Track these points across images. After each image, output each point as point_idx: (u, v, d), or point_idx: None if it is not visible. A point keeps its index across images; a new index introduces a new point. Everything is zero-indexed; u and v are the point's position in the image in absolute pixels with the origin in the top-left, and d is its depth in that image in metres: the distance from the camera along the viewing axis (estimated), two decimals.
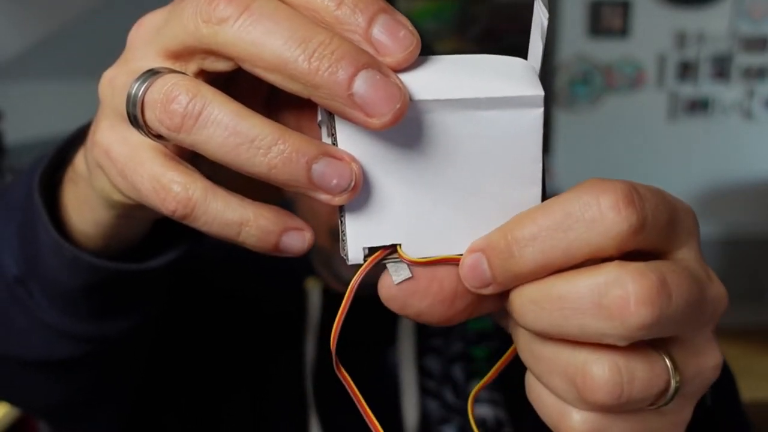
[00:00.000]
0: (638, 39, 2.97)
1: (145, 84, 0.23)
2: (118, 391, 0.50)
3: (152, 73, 0.23)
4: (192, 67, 0.25)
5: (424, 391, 0.66)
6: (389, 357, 0.66)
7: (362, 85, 0.21)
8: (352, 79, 0.21)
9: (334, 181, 0.22)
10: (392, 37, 0.22)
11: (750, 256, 3.09)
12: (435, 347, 0.67)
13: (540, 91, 0.23)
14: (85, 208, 0.33)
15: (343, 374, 0.27)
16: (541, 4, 0.23)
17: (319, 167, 0.22)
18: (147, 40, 0.27)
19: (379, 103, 0.21)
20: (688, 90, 3.00)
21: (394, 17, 0.22)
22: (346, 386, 0.27)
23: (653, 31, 2.97)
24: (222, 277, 0.67)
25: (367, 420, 0.26)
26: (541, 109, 0.23)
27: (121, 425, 0.55)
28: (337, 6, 0.22)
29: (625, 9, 2.94)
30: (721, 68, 2.98)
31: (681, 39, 2.97)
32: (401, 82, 0.22)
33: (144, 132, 0.24)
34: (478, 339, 0.68)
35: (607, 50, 2.98)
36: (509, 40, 3.27)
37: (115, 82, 0.27)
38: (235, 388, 0.63)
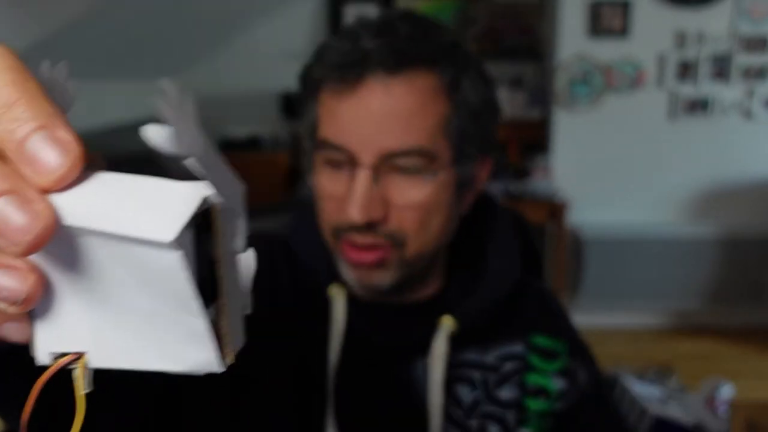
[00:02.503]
0: (638, 39, 2.96)
1: None
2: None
3: None
4: None
5: (449, 419, 0.65)
6: (418, 369, 0.66)
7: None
8: None
9: (5, 293, 0.21)
10: (47, 155, 0.21)
11: (750, 256, 3.09)
12: (468, 377, 0.67)
13: (171, 236, 0.22)
14: None
15: None
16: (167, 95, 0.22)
17: None
18: None
19: (13, 233, 0.20)
20: (688, 90, 2.99)
21: (55, 134, 0.21)
22: None
23: (653, 31, 2.96)
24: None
25: None
26: (178, 253, 0.22)
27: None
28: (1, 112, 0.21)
29: (625, 9, 2.93)
30: (721, 68, 2.98)
31: (681, 39, 2.96)
32: (47, 205, 0.21)
33: None
34: (536, 392, 0.68)
35: (607, 50, 2.97)
36: (509, 40, 3.26)
37: None
38: (258, 388, 0.63)
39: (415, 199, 0.60)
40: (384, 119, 0.58)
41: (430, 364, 0.65)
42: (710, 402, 1.99)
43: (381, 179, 0.59)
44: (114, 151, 3.44)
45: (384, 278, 0.62)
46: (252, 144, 3.42)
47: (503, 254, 0.70)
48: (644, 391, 1.94)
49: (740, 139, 3.04)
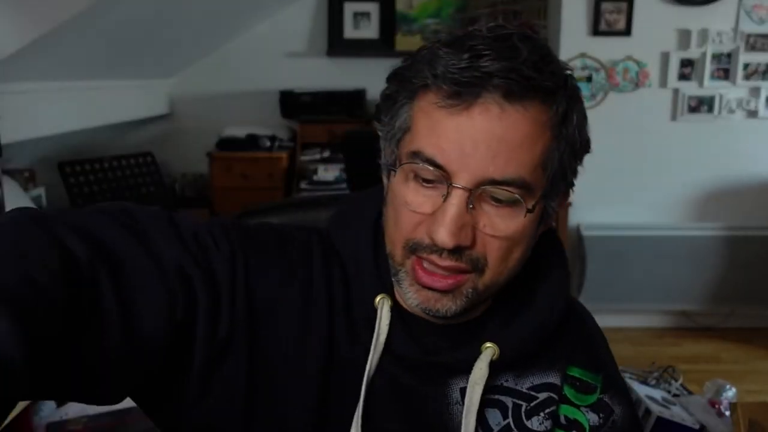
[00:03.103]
0: (641, 38, 2.94)
1: None
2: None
3: None
4: None
5: None
6: (453, 391, 0.65)
7: None
8: None
9: None
10: None
11: (754, 257, 3.07)
12: (500, 403, 0.66)
13: None
14: None
15: None
16: None
17: None
18: None
19: None
20: (691, 89, 2.97)
21: None
22: None
23: (656, 29, 2.94)
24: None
25: None
26: None
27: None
28: None
29: (629, 7, 2.91)
30: (726, 67, 2.96)
31: (684, 37, 2.94)
32: None
33: None
34: (568, 426, 0.67)
35: (610, 49, 2.95)
36: None
37: None
38: (300, 385, 0.62)
39: (504, 231, 0.58)
40: (493, 144, 0.56)
41: (468, 387, 0.63)
42: (714, 404, 1.98)
43: (474, 204, 0.57)
44: (114, 150, 3.43)
45: (450, 306, 0.61)
46: (252, 144, 3.40)
47: (552, 283, 0.68)
48: (647, 393, 1.92)
49: (744, 138, 3.02)
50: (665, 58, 2.96)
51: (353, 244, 0.67)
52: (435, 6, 3.56)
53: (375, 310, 0.64)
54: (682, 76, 2.97)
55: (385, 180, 0.66)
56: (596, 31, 2.93)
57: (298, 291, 0.64)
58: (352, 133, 2.77)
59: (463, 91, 0.56)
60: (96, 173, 3.06)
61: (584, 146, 0.63)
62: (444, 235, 0.56)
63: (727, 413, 1.90)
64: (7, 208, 1.43)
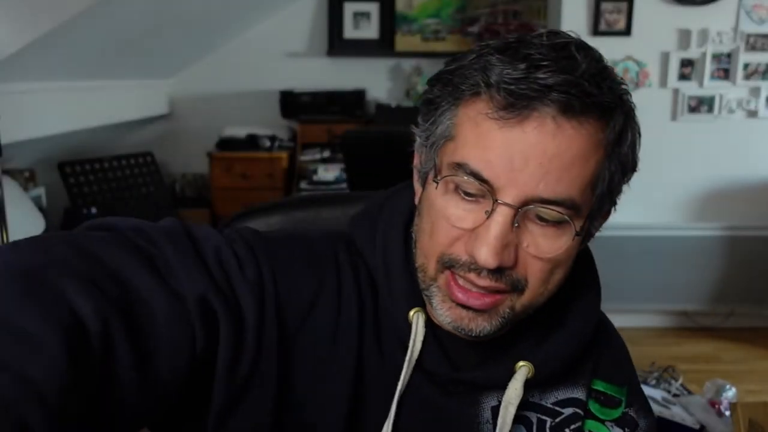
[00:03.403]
0: (641, 38, 2.94)
1: None
2: None
3: None
4: None
5: None
6: (485, 409, 0.63)
7: None
8: None
9: None
10: None
11: (754, 257, 3.07)
12: (526, 419, 0.64)
13: None
14: None
15: None
16: None
17: None
18: None
19: None
20: (692, 89, 2.97)
21: None
22: None
23: (657, 29, 2.94)
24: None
25: None
26: None
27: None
28: None
29: (629, 7, 2.91)
30: (726, 67, 2.96)
31: (685, 37, 2.94)
32: None
33: None
34: None
35: (610, 49, 2.95)
36: None
37: None
38: (331, 402, 0.60)
39: (548, 252, 0.55)
40: (545, 162, 0.52)
41: (502, 408, 0.61)
42: (714, 404, 1.98)
43: (519, 223, 0.54)
44: (114, 150, 3.43)
45: (484, 327, 0.57)
46: (252, 144, 3.40)
47: (588, 301, 0.66)
48: (647, 393, 1.92)
49: (744, 138, 3.02)
50: (665, 58, 2.96)
51: (383, 254, 0.63)
52: (435, 6, 3.56)
53: (406, 324, 0.61)
54: (682, 76, 2.97)
55: (417, 185, 0.63)
56: (596, 31, 2.92)
57: (327, 309, 0.61)
58: (352, 133, 2.77)
59: (518, 103, 0.52)
60: (96, 173, 3.06)
61: (634, 166, 0.60)
62: (487, 255, 0.53)
63: (727, 413, 1.90)
64: (7, 208, 1.43)
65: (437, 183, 0.57)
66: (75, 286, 0.45)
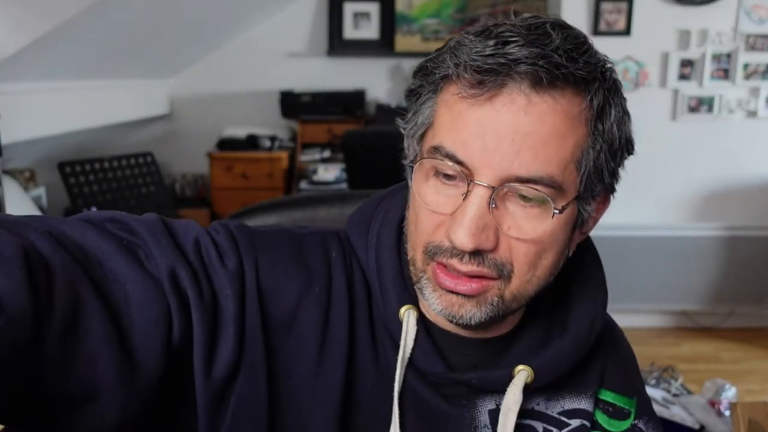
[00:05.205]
0: (641, 38, 2.94)
1: None
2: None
3: None
4: None
5: None
6: (482, 413, 0.61)
7: None
8: None
9: None
10: None
11: (753, 257, 3.07)
12: (531, 428, 0.62)
13: None
14: None
15: None
16: None
17: None
18: None
19: None
20: (691, 89, 2.97)
21: None
22: None
23: (656, 29, 2.94)
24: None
25: None
26: None
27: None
28: None
29: (629, 7, 2.91)
30: (726, 67, 2.96)
31: (684, 37, 2.94)
32: None
33: None
34: None
35: (610, 49, 2.93)
36: None
37: None
38: (322, 400, 0.59)
39: (531, 234, 0.53)
40: (518, 138, 0.51)
41: (501, 414, 0.59)
42: (714, 404, 1.97)
43: (497, 204, 0.53)
44: (114, 150, 3.43)
45: (475, 314, 0.56)
46: (252, 144, 3.40)
47: (591, 303, 0.64)
48: (647, 393, 1.92)
49: (744, 138, 3.02)
50: (665, 58, 2.96)
51: (375, 250, 0.62)
52: (435, 6, 3.56)
53: (398, 322, 0.60)
54: (682, 76, 2.97)
55: (409, 181, 0.61)
56: (596, 31, 2.93)
57: (317, 303, 0.59)
58: (352, 133, 2.77)
59: (486, 80, 0.51)
60: (96, 173, 3.06)
61: (625, 146, 0.58)
62: (462, 236, 0.52)
63: (727, 413, 1.90)
64: (7, 208, 1.43)
65: (412, 168, 0.57)
66: (44, 241, 0.46)
